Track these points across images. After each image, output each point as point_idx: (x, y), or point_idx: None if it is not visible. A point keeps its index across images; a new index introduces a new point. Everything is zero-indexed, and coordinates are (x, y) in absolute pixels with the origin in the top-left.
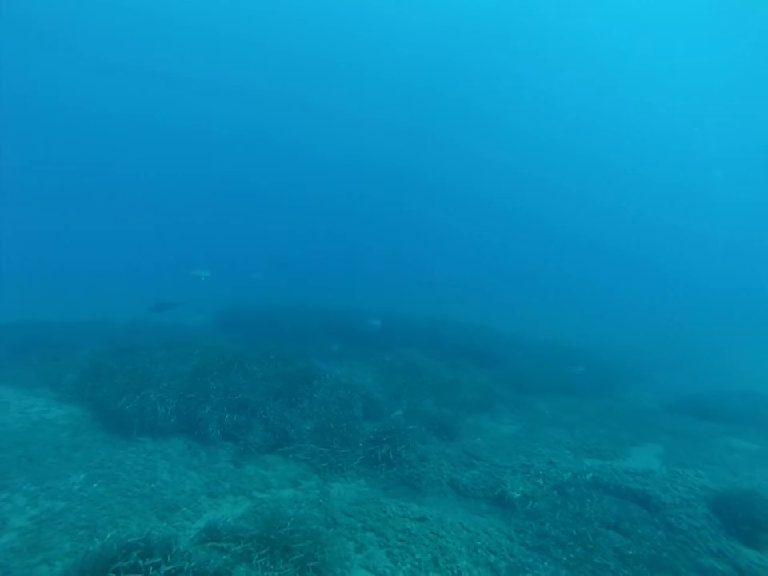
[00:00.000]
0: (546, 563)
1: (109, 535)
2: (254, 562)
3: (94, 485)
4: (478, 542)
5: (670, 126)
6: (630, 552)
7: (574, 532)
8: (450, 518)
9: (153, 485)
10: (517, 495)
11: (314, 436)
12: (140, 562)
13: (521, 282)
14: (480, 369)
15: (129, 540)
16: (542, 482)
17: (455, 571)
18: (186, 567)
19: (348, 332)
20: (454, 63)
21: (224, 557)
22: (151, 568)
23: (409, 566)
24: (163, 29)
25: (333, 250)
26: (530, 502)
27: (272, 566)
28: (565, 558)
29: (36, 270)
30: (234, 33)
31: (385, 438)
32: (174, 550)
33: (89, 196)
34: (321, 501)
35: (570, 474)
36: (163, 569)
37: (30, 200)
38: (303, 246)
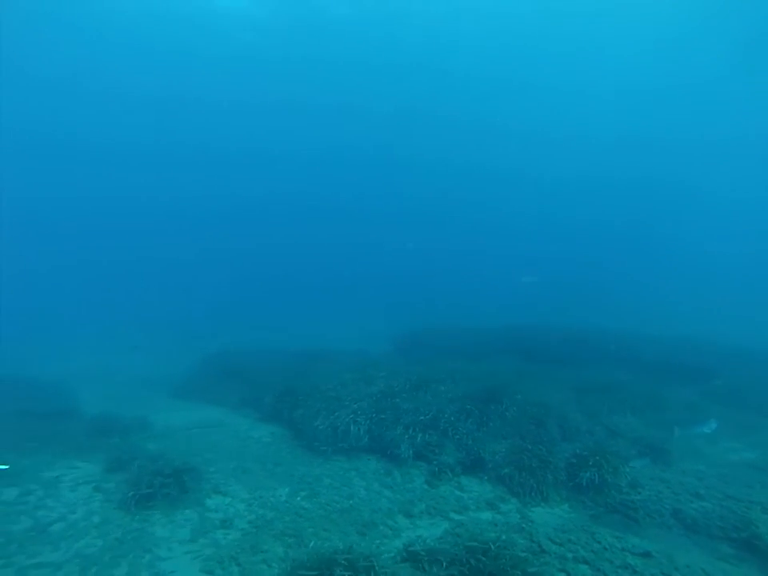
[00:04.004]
0: None
1: (312, 545)
2: None
3: (297, 498)
4: None
5: None
6: None
7: None
8: (682, 558)
9: (350, 501)
10: None
11: (510, 457)
12: (345, 574)
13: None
14: (686, 385)
15: (333, 553)
16: None
17: None
18: None
19: (531, 349)
20: None
21: None
22: None
23: None
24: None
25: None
26: None
27: None
28: None
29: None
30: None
31: (590, 462)
32: (376, 566)
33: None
34: (523, 525)
35: None
36: None
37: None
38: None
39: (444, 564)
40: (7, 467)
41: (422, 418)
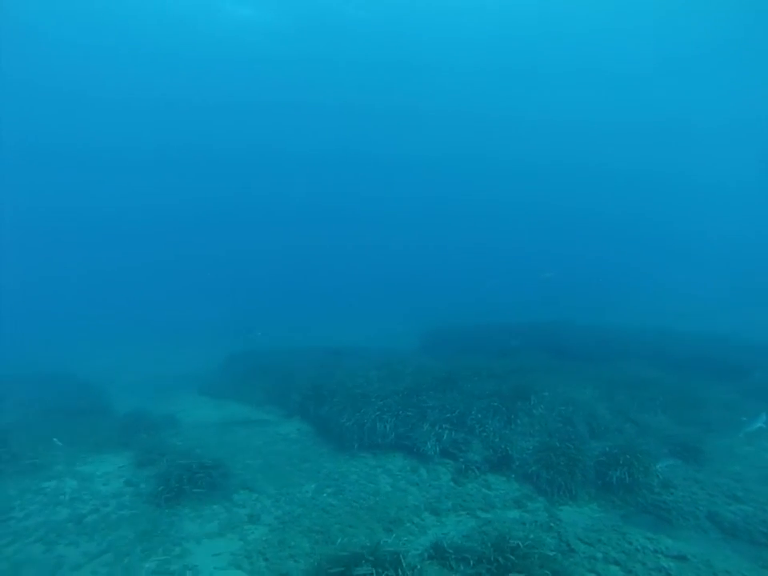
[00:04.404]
0: None
1: (339, 541)
2: None
3: (324, 494)
4: None
5: None
6: None
7: None
8: (720, 563)
9: (377, 498)
10: None
11: (537, 455)
12: (372, 571)
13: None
14: (720, 382)
15: (359, 549)
16: None
17: None
18: None
19: (557, 346)
20: None
21: None
22: None
23: None
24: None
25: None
26: None
27: None
28: None
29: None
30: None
31: (620, 461)
32: (403, 563)
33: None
34: (551, 524)
35: None
36: None
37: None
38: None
39: (471, 562)
40: None
41: (448, 415)
